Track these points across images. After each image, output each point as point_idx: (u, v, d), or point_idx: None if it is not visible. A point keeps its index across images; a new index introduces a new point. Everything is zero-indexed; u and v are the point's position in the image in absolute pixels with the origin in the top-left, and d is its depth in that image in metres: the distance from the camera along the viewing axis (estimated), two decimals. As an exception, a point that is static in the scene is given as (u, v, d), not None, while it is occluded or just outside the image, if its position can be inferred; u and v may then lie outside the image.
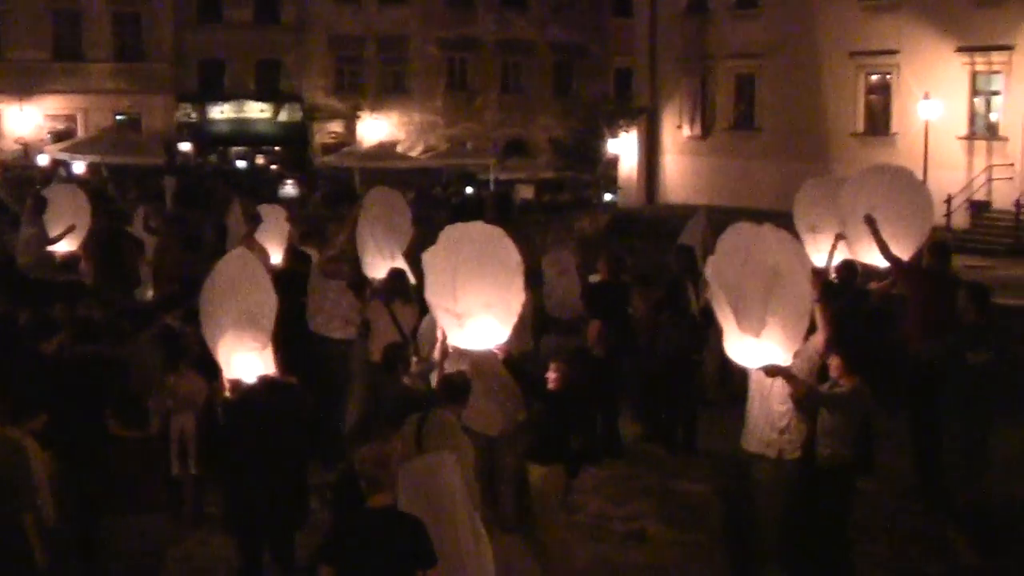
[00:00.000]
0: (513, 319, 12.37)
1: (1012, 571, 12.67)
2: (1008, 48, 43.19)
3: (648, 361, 16.77)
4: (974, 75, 44.78)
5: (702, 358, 16.87)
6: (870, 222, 14.99)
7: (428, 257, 12.47)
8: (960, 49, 44.55)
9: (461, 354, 12.43)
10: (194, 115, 63.54)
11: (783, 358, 11.12)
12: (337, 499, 10.56)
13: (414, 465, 8.89)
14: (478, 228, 12.76)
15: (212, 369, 11.96)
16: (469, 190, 56.30)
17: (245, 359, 11.62)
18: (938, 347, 13.91)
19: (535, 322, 15.72)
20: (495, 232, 12.61)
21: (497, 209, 43.89)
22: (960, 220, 42.83)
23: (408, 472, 8.71)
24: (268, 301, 12.01)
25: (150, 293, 19.58)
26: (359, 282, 15.86)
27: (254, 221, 17.56)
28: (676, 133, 55.68)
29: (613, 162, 57.58)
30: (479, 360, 12.36)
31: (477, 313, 12.08)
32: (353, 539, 8.32)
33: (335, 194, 48.50)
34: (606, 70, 62.74)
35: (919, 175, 38.76)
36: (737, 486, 11.92)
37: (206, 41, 63.09)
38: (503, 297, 12.20)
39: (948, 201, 42.09)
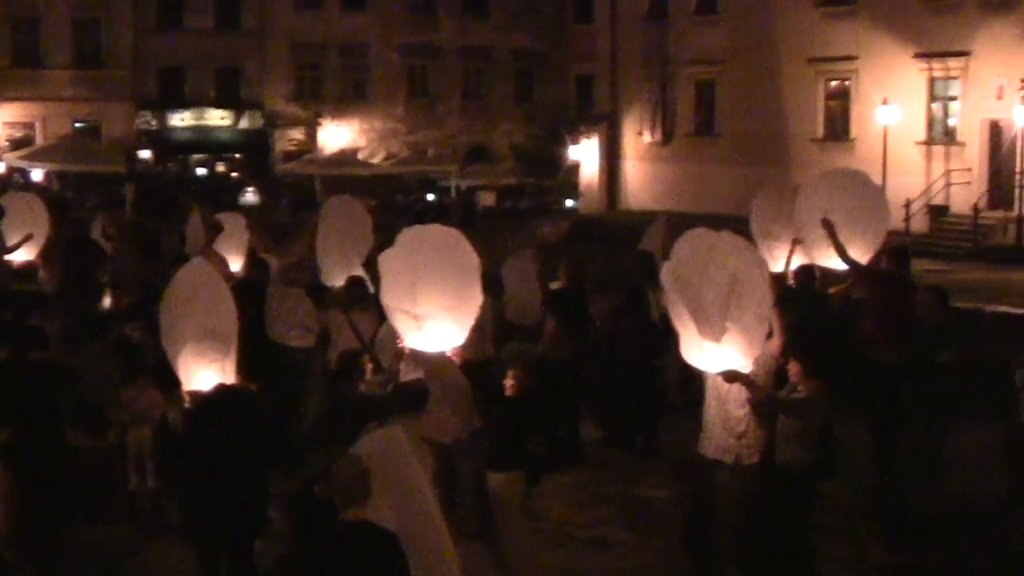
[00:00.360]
0: (471, 321, 12.37)
1: (964, 570, 12.73)
2: (965, 54, 43.51)
3: (609, 366, 16.79)
4: (932, 81, 45.14)
5: (663, 363, 16.88)
6: (827, 226, 15.04)
7: (385, 259, 12.45)
8: (918, 55, 44.89)
9: (417, 361, 12.40)
10: (154, 122, 63.15)
11: (742, 363, 11.13)
12: (297, 511, 10.52)
13: (363, 444, 8.85)
14: (436, 230, 12.77)
15: (170, 381, 11.90)
16: (431, 197, 56.30)
17: (205, 371, 11.57)
18: (903, 350, 13.98)
19: (495, 329, 15.71)
20: (453, 234, 12.62)
21: (461, 215, 43.91)
22: (919, 224, 43.11)
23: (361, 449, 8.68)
24: (227, 312, 11.93)
25: (107, 302, 19.46)
26: (318, 290, 15.83)
27: (214, 230, 17.47)
28: (637, 139, 55.83)
29: (574, 168, 57.68)
30: (435, 366, 12.34)
31: (436, 315, 12.07)
32: (325, 554, 8.26)
33: (301, 202, 48.45)
34: (567, 76, 62.75)
35: (878, 180, 39.33)
36: (696, 491, 11.94)
37: (166, 48, 62.68)
38: (462, 299, 12.21)
39: (907, 206, 42.38)
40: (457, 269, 12.27)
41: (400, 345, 12.54)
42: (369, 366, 12.81)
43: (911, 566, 11.94)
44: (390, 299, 12.32)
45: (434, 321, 12.10)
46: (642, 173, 55.52)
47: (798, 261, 16.06)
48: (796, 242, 15.98)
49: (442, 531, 8.86)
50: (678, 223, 14.59)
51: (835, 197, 15.54)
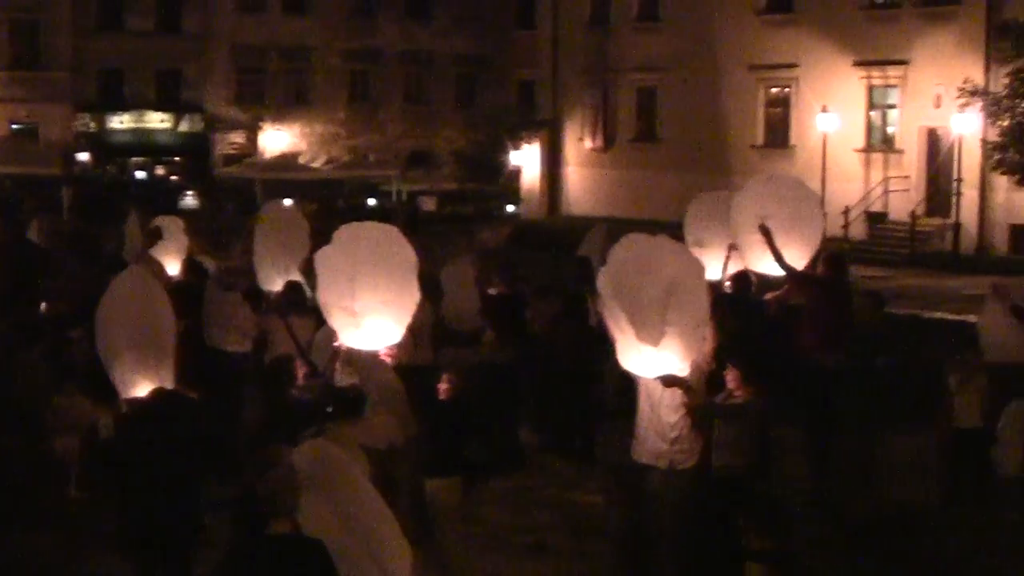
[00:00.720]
0: (408, 318, 12.38)
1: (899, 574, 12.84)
2: (903, 62, 43.91)
3: (547, 372, 16.81)
4: (871, 89, 45.53)
5: (601, 368, 16.88)
6: (764, 232, 15.09)
7: (322, 256, 12.43)
8: (857, 63, 45.25)
9: (353, 365, 12.38)
10: (93, 125, 62.63)
11: (680, 367, 11.17)
12: (236, 519, 10.45)
13: (296, 454, 8.82)
14: (373, 227, 12.78)
15: (103, 388, 11.81)
16: (372, 202, 56.19)
17: (142, 377, 11.48)
18: (839, 355, 14.07)
19: (434, 334, 15.71)
20: (390, 231, 12.64)
21: (404, 221, 43.85)
22: (857, 231, 43.47)
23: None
24: (165, 317, 11.86)
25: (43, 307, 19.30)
26: (255, 295, 15.79)
27: (153, 237, 17.39)
28: (578, 145, 55.92)
29: (516, 174, 57.68)
30: (371, 370, 12.32)
31: (374, 311, 12.07)
32: (251, 567, 8.19)
33: (244, 206, 48.22)
34: (509, 82, 62.76)
35: (818, 187, 39.63)
36: (630, 497, 11.97)
37: (106, 49, 62.15)
38: (399, 295, 12.22)
39: (846, 212, 42.74)
40: (394, 266, 12.29)
41: (336, 344, 12.53)
42: (302, 371, 12.80)
43: (784, 552, 11.99)
44: (327, 296, 12.30)
45: (371, 318, 12.10)
46: (583, 179, 55.61)
47: (734, 267, 16.12)
48: (732, 248, 16.03)
49: (392, 534, 8.84)
50: (618, 229, 14.63)
51: (770, 203, 15.59)
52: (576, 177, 56.05)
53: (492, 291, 17.49)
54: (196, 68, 63.74)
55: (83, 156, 61.18)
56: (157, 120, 63.64)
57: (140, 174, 63.25)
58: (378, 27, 65.05)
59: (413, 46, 65.16)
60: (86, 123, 62.45)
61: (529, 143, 56.79)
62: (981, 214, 42.31)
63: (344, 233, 12.52)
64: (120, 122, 63.15)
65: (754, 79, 48.91)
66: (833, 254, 16.07)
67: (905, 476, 15.15)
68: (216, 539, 11.34)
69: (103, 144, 62.33)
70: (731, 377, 11.65)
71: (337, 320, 12.31)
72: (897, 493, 14.62)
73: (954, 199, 42.05)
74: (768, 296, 15.81)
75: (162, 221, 18.60)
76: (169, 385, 11.52)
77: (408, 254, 12.43)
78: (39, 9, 61.26)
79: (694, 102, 50.51)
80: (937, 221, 43.10)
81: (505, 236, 45.67)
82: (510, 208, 57.56)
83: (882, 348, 14.32)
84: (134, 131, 63.19)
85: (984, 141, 40.22)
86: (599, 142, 55.07)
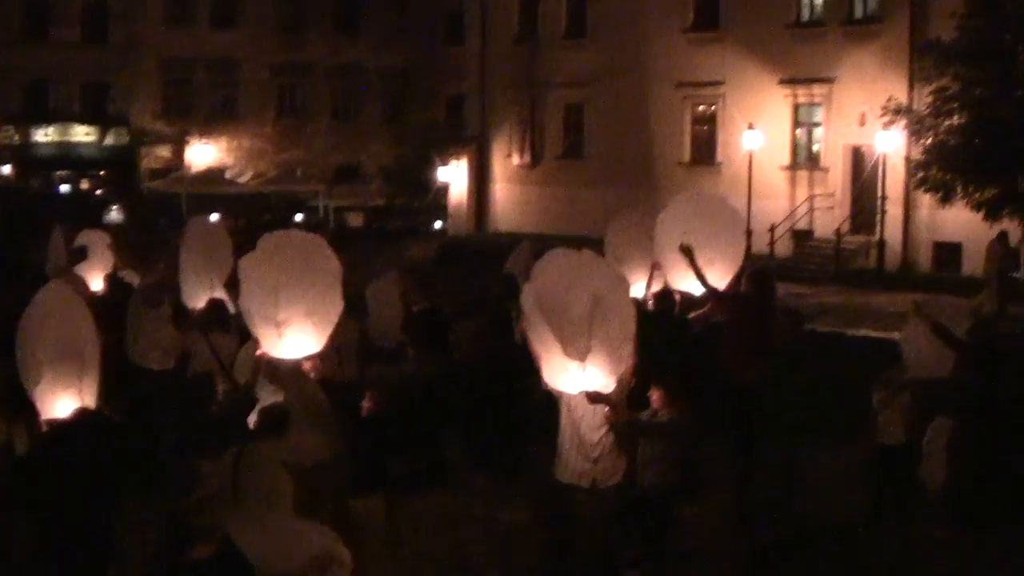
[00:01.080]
0: (331, 328, 12.33)
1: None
2: (828, 81, 44.29)
3: (472, 388, 16.77)
4: (796, 107, 45.85)
5: (528, 386, 16.88)
6: (686, 252, 15.15)
7: (246, 264, 12.37)
8: (783, 81, 45.52)
9: (276, 382, 12.31)
10: (17, 137, 62.13)
11: (605, 383, 11.19)
12: (160, 541, 10.37)
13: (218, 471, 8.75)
14: (298, 236, 12.76)
15: (19, 406, 11.66)
16: (299, 217, 55.99)
17: (63, 395, 11.35)
18: (761, 372, 14.13)
19: (359, 351, 15.66)
20: (315, 240, 12.61)
21: (331, 236, 43.67)
22: (783, 248, 43.71)
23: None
24: (87, 334, 11.71)
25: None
26: (179, 312, 15.70)
27: (77, 257, 17.31)
28: (506, 161, 55.93)
29: (443, 190, 57.64)
30: (295, 386, 12.26)
31: (297, 321, 12.02)
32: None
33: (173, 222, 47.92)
34: (437, 98, 62.75)
35: (744, 205, 39.86)
36: (553, 517, 11.96)
37: (30, 60, 61.64)
38: (323, 305, 12.18)
39: (772, 230, 42.99)
40: (319, 276, 12.26)
41: (259, 353, 12.46)
42: (224, 388, 12.73)
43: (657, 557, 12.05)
44: (250, 304, 12.23)
45: (294, 327, 12.05)
46: (511, 195, 55.62)
47: (658, 285, 16.17)
48: (656, 266, 16.08)
49: (326, 544, 8.78)
50: (545, 245, 14.66)
51: (693, 221, 15.67)
52: (503, 193, 56.06)
53: (416, 307, 17.46)
54: (123, 80, 63.22)
55: (6, 169, 60.64)
56: (82, 133, 63.09)
57: (65, 187, 62.73)
58: (307, 41, 64.86)
59: (341, 60, 65.02)
60: (10, 135, 61.86)
61: (457, 159, 56.77)
62: (905, 232, 42.67)
63: (269, 241, 12.47)
64: (45, 135, 62.60)
65: (681, 96, 49.11)
66: (756, 271, 16.15)
67: (829, 492, 15.22)
68: (135, 561, 11.27)
69: (27, 157, 61.78)
70: (656, 396, 11.68)
71: (259, 329, 12.24)
72: (821, 509, 14.68)
73: (879, 217, 42.39)
74: (692, 314, 15.87)
75: (87, 235, 18.49)
76: (91, 403, 11.40)
77: (333, 264, 12.40)
78: (-42, 16, 60.64)
79: (621, 119, 50.65)
80: (862, 238, 43.44)
81: (432, 252, 45.61)
82: (437, 224, 57.54)
83: (803, 365, 14.40)
84: (59, 144, 62.63)
85: (908, 159, 40.55)
86: (526, 158, 55.10)
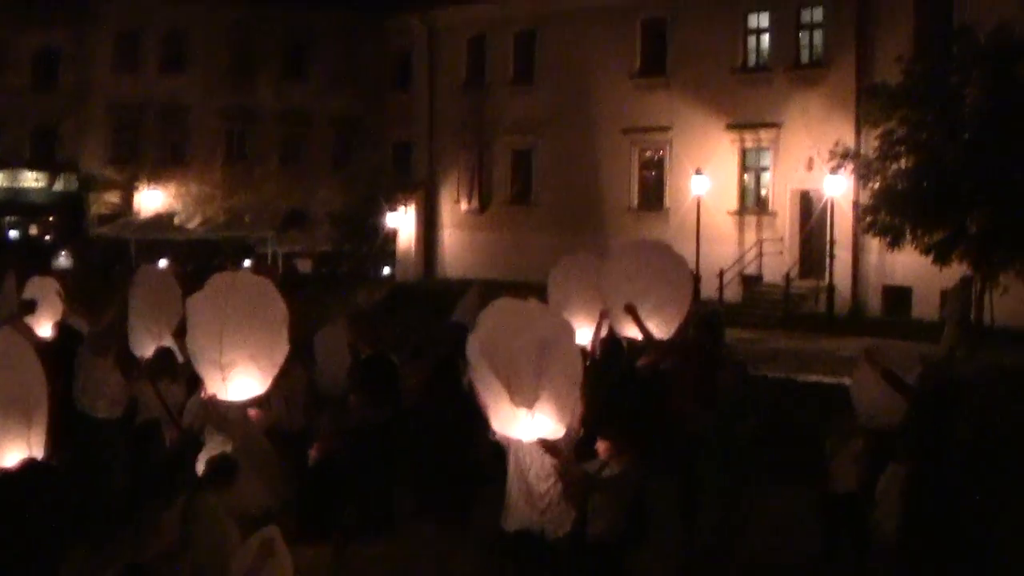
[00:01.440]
0: (276, 371, 12.33)
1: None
2: (775, 125, 44.54)
3: (420, 436, 16.72)
4: (743, 151, 46.05)
5: (475, 434, 16.84)
6: (631, 311, 15.20)
7: (192, 304, 12.36)
8: (730, 126, 45.76)
9: (224, 430, 12.28)
10: (-34, 182, 61.95)
11: (554, 431, 11.20)
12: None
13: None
14: (245, 278, 12.76)
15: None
16: (247, 263, 55.86)
17: (11, 444, 11.26)
18: (707, 419, 14.17)
19: (307, 399, 15.63)
20: (262, 283, 12.61)
21: (283, 281, 43.57)
22: (732, 293, 43.82)
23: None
24: (35, 382, 11.62)
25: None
26: (127, 360, 15.63)
27: (27, 308, 17.24)
28: (454, 207, 55.96)
29: (392, 235, 57.62)
30: (242, 435, 12.23)
31: (242, 362, 12.00)
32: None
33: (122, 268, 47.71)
34: (385, 143, 62.87)
35: (692, 249, 39.99)
36: (503, 566, 11.94)
37: (-21, 105, 61.57)
38: (267, 348, 12.19)
39: (721, 275, 43.06)
40: (265, 318, 12.26)
41: (204, 395, 12.43)
42: (171, 436, 12.68)
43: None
44: (195, 345, 12.22)
45: (239, 369, 12.03)
46: (459, 241, 55.65)
47: (604, 333, 16.20)
48: (603, 314, 16.11)
49: None
50: (493, 292, 14.66)
51: (639, 267, 15.72)
52: (452, 239, 56.08)
53: (364, 354, 17.44)
54: (71, 126, 63.08)
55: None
56: (31, 179, 62.91)
57: (13, 233, 62.44)
58: (255, 86, 64.90)
59: (289, 106, 65.08)
60: (-41, 182, 61.62)
61: (405, 204, 56.80)
62: (855, 276, 42.86)
63: (216, 283, 12.47)
64: (-7, 180, 62.37)
65: (628, 142, 49.31)
66: (702, 318, 16.22)
67: (780, 539, 15.24)
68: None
69: (-26, 202, 61.54)
70: (603, 448, 11.67)
71: (204, 370, 12.23)
72: (772, 556, 14.70)
73: (827, 261, 42.53)
74: (640, 362, 15.88)
75: (36, 282, 18.41)
76: (39, 452, 11.31)
77: (279, 307, 12.41)
78: (-90, 65, 60.40)
79: (569, 164, 50.83)
80: (811, 283, 43.61)
81: (380, 298, 45.56)
82: (386, 270, 57.50)
83: (752, 411, 14.44)
84: (7, 190, 62.42)
85: (856, 203, 40.76)
86: (474, 204, 55.16)
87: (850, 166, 39.36)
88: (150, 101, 63.52)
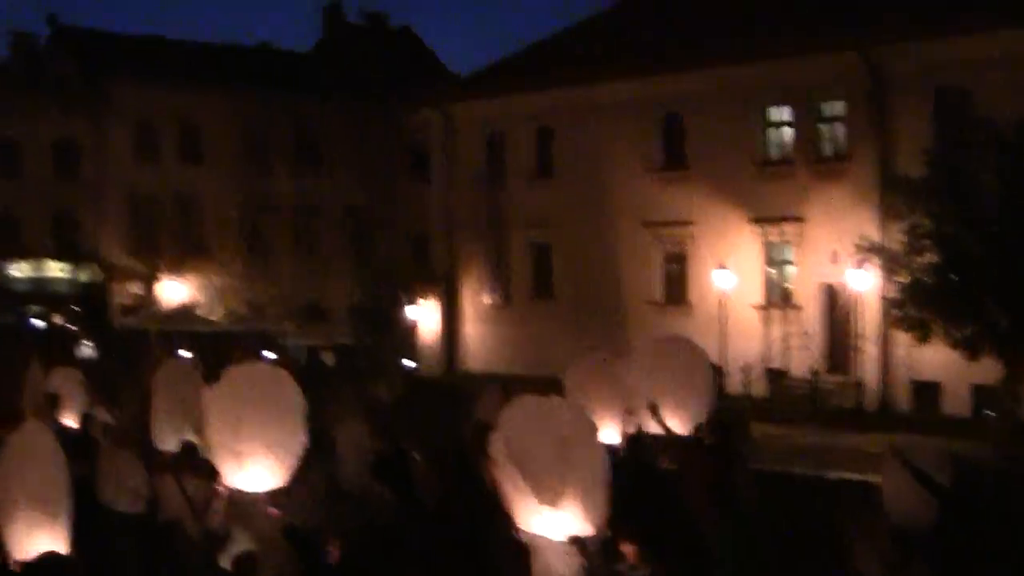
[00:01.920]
0: (293, 461, 12.27)
1: None
2: (799, 219, 44.35)
3: (439, 534, 16.56)
4: (767, 245, 45.80)
5: (495, 532, 16.68)
6: (653, 409, 15.12)
7: (210, 395, 12.37)
8: (753, 220, 45.57)
9: (242, 522, 12.19)
10: (-10, 272, 62.38)
11: (581, 528, 11.10)
12: None
13: None
14: (262, 370, 12.74)
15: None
16: (269, 355, 55.80)
17: (35, 537, 11.22)
18: (726, 522, 14.05)
19: (326, 494, 15.50)
20: (279, 374, 12.60)
21: (309, 374, 43.56)
22: (759, 388, 43.46)
23: None
24: (60, 476, 11.66)
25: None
26: (149, 454, 15.55)
27: (52, 402, 17.23)
28: (475, 300, 55.76)
29: (412, 329, 57.51)
30: (259, 530, 12.14)
31: (259, 452, 11.96)
32: None
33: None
34: (403, 234, 63.01)
35: (717, 344, 39.76)
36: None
37: (4, 196, 62.02)
38: (285, 439, 12.17)
39: (746, 370, 42.73)
40: (282, 409, 12.25)
41: (221, 487, 12.36)
42: (194, 532, 12.59)
43: None
44: (213, 435, 12.20)
45: (256, 459, 11.98)
46: (481, 334, 55.39)
47: (629, 430, 16.12)
48: (628, 412, 16.02)
49: None
50: (515, 387, 14.55)
51: (662, 366, 15.66)
52: (473, 333, 55.83)
53: (384, 450, 17.32)
54: (92, 216, 63.55)
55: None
56: (55, 269, 63.31)
57: (37, 322, 62.67)
58: (271, 177, 65.31)
59: (308, 198, 65.43)
60: (-16, 270, 62.08)
61: (425, 297, 56.71)
62: (883, 370, 42.49)
63: (233, 375, 12.48)
64: (18, 270, 62.74)
65: (650, 235, 49.12)
66: (716, 420, 16.09)
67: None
68: None
69: (1, 292, 61.86)
70: (631, 551, 11.52)
71: (222, 460, 12.18)
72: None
73: (854, 355, 42.21)
74: (663, 460, 15.76)
75: (60, 373, 18.42)
76: (63, 546, 11.29)
77: (297, 398, 12.41)
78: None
79: (589, 258, 50.67)
80: (839, 378, 43.21)
81: (401, 392, 45.41)
82: (407, 363, 57.35)
83: (773, 512, 14.32)
84: (32, 279, 62.81)
85: (884, 297, 40.44)
86: (496, 298, 55.00)
87: (875, 260, 39.10)
88: (169, 192, 63.97)
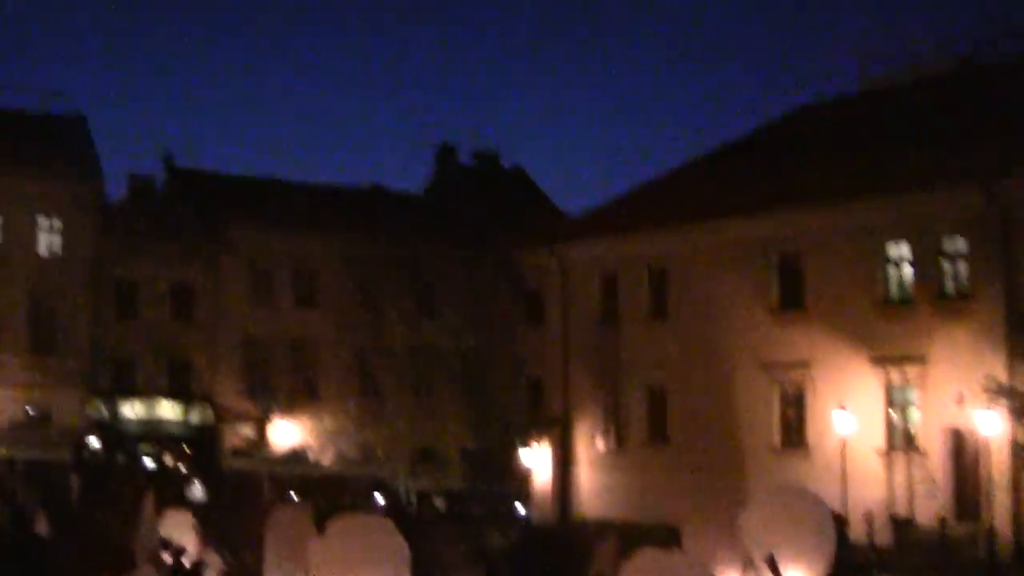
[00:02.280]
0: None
1: None
2: (921, 359, 43.23)
3: None
4: (889, 386, 44.66)
5: None
6: (771, 563, 14.37)
7: (315, 547, 11.85)
8: (873, 360, 44.52)
9: None
10: (105, 411, 62.69)
11: None
12: None
13: None
14: (367, 520, 12.20)
15: None
16: (379, 499, 55.36)
17: None
18: None
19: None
20: (383, 523, 12.04)
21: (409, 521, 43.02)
22: (883, 537, 41.98)
23: None
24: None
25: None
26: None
27: (164, 545, 16.72)
28: (590, 445, 54.86)
29: (526, 474, 56.68)
30: None
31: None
32: None
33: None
34: (517, 379, 62.49)
35: (838, 490, 38.57)
36: None
37: (121, 337, 62.64)
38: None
39: (868, 517, 41.33)
40: (386, 560, 11.70)
41: None
42: None
43: None
44: None
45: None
46: (595, 480, 54.37)
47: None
48: (746, 565, 15.26)
49: None
50: (631, 536, 13.86)
51: (779, 516, 14.91)
52: (588, 478, 54.82)
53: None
54: (206, 358, 64.06)
55: (94, 441, 61.09)
56: (168, 409, 63.77)
57: (149, 462, 62.91)
58: (387, 321, 65.33)
59: (421, 341, 65.34)
60: (99, 408, 62.55)
61: (539, 442, 55.87)
62: (1016, 518, 40.93)
63: (337, 526, 11.97)
64: (131, 409, 63.20)
65: (767, 377, 48.21)
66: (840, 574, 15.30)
67: None
68: None
69: (114, 430, 62.29)
70: None
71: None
72: None
73: (984, 502, 40.82)
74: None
75: (172, 516, 17.97)
76: None
77: (401, 548, 11.81)
78: (58, 297, 61.76)
79: (706, 401, 49.70)
80: (968, 526, 41.63)
81: (514, 540, 44.65)
82: (520, 509, 56.50)
83: None
84: (145, 419, 63.28)
85: (1014, 441, 39.17)
86: (611, 442, 54.08)
87: (1003, 402, 37.96)
88: (282, 335, 64.20)
